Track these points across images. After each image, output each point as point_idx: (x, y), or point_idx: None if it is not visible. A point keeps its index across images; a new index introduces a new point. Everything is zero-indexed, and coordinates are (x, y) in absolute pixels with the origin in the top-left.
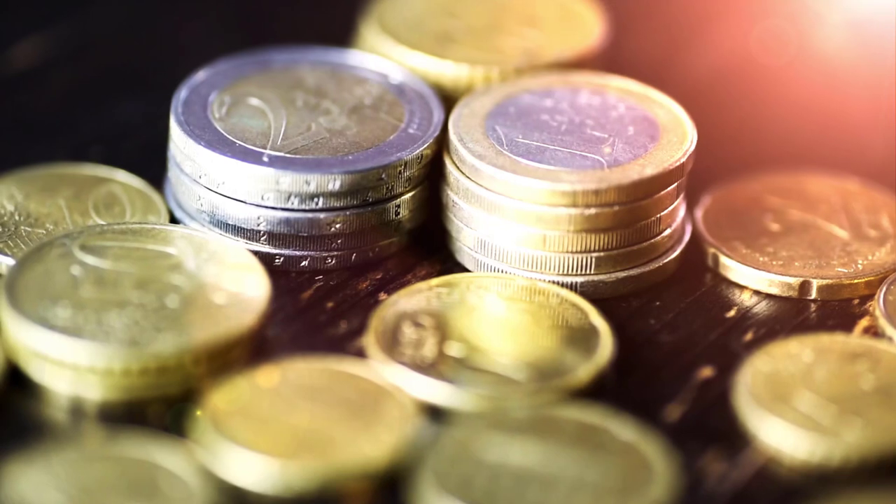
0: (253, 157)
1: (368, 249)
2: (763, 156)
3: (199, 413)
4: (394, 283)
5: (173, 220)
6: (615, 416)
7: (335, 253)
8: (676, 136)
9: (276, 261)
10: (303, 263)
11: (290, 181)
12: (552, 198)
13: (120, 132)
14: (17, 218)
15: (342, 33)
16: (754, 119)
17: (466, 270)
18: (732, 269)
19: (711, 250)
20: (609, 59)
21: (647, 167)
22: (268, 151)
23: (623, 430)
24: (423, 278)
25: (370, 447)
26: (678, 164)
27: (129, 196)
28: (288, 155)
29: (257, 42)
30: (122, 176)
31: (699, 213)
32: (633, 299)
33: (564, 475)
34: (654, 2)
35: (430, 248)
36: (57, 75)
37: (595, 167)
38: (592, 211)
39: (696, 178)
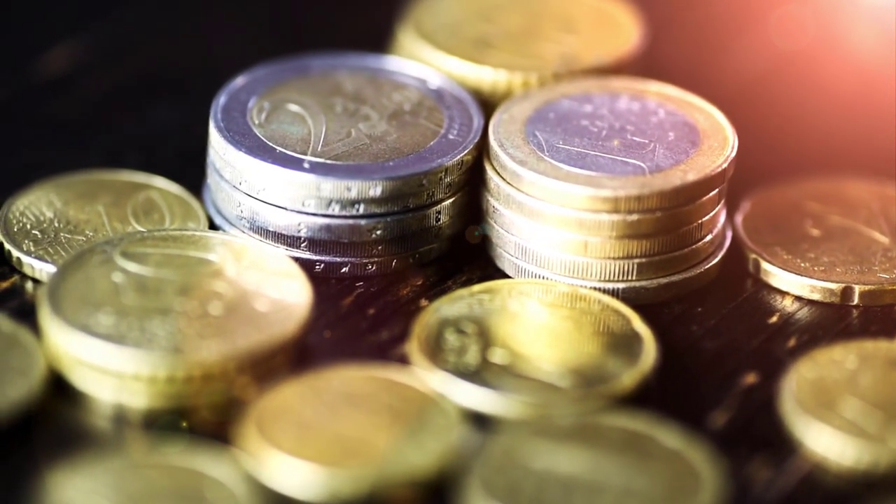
0: (294, 164)
1: (409, 256)
2: (800, 160)
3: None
4: (434, 289)
5: (213, 226)
6: (660, 424)
7: (376, 259)
8: (717, 141)
9: (317, 267)
10: (343, 270)
11: (332, 187)
12: (594, 203)
13: (156, 138)
14: (56, 225)
15: (376, 38)
16: (788, 123)
17: (507, 277)
18: (774, 274)
19: (752, 256)
20: (645, 64)
21: (689, 173)
22: (308, 158)
23: (669, 437)
24: (464, 285)
25: (416, 455)
26: (720, 169)
27: (167, 202)
28: (329, 161)
29: (291, 47)
30: (161, 182)
31: (739, 219)
32: (675, 305)
33: (611, 483)
34: (688, 5)
35: (470, 254)
36: (90, 81)
37: (637, 173)
38: (634, 217)
39: (733, 182)
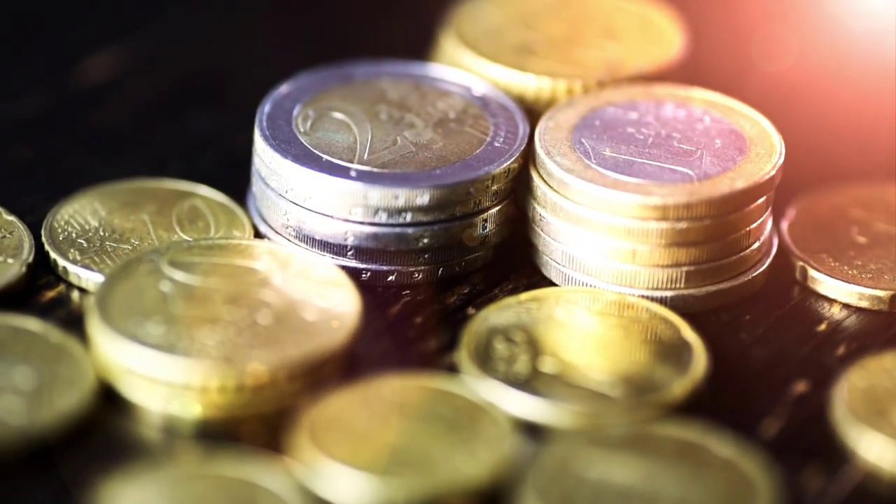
0: (340, 172)
1: (455, 264)
2: (840, 166)
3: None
4: (481, 297)
5: (257, 234)
6: (713, 433)
7: (422, 267)
8: (764, 148)
9: (363, 276)
10: (390, 278)
11: (379, 196)
12: (642, 211)
13: (198, 145)
14: (101, 234)
15: (415, 45)
16: (828, 128)
17: (553, 284)
18: (821, 282)
19: (800, 263)
20: (687, 70)
21: (738, 180)
22: (355, 166)
23: (722, 446)
24: (510, 293)
25: (469, 464)
26: (768, 177)
27: (211, 210)
28: (375, 169)
29: (330, 54)
30: (204, 190)
31: (784, 226)
32: (723, 313)
33: (667, 493)
34: (727, 10)
35: (516, 262)
36: (130, 89)
37: (685, 180)
38: (683, 224)
39: (776, 188)
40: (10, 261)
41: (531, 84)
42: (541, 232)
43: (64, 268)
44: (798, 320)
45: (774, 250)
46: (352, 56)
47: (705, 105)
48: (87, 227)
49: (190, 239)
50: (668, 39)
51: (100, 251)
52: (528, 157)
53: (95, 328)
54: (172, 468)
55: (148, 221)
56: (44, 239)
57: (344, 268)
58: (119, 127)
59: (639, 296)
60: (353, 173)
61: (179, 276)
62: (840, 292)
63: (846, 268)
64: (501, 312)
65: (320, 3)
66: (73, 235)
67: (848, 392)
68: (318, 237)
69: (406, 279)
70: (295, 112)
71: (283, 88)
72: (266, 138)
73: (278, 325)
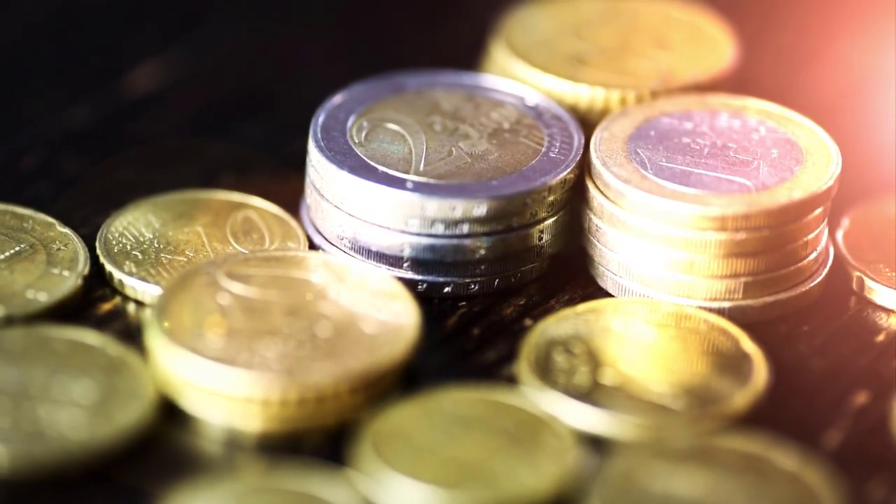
0: (397, 183)
1: (511, 275)
2: (892, 175)
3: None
4: (537, 308)
5: (312, 245)
6: (776, 445)
7: (478, 279)
8: (821, 158)
9: (420, 287)
10: (446, 290)
11: (436, 207)
12: (701, 222)
13: (249, 156)
14: (156, 245)
15: (464, 55)
16: (879, 138)
17: (609, 295)
18: (878, 292)
19: (856, 274)
20: (739, 80)
21: (795, 190)
22: (411, 177)
23: (785, 458)
24: (566, 303)
25: (532, 477)
26: (826, 186)
27: (265, 222)
28: (432, 181)
29: (380, 64)
30: (257, 201)
31: (839, 236)
32: (780, 324)
33: None
34: (776, 18)
35: (571, 272)
36: (179, 99)
37: (743, 191)
38: (742, 235)
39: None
40: (65, 273)
41: (584, 94)
42: (597, 242)
43: (120, 280)
44: (856, 331)
45: (831, 261)
46: (400, 66)
47: (760, 115)
48: (141, 238)
49: (246, 251)
50: (720, 49)
51: (155, 263)
52: (584, 167)
53: (155, 341)
54: (234, 482)
55: (202, 233)
56: (99, 251)
57: (400, 279)
58: (169, 138)
59: (696, 307)
60: (409, 185)
61: (237, 288)
62: None
63: None
64: (559, 324)
65: (368, 12)
66: (128, 247)
67: None
68: (374, 249)
69: (462, 290)
70: (349, 123)
71: (337, 99)
72: (321, 149)
73: (338, 337)
